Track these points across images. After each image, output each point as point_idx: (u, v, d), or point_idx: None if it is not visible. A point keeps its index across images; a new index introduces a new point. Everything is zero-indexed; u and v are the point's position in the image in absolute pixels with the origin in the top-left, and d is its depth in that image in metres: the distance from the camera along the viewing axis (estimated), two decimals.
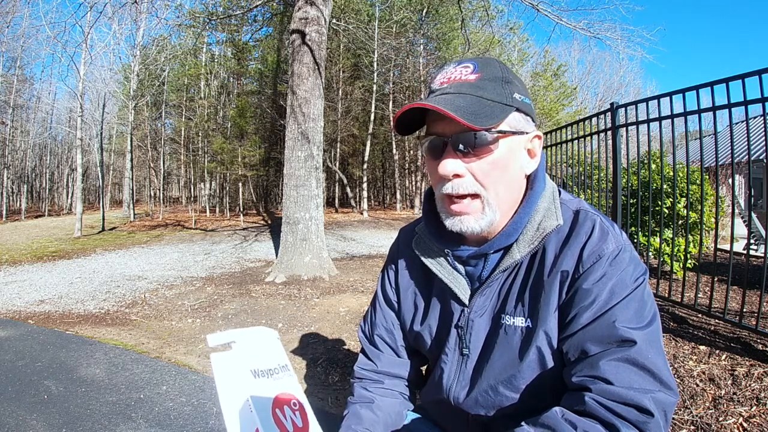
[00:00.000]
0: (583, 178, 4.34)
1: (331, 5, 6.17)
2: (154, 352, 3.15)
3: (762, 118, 2.41)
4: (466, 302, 0.78)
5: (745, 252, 4.89)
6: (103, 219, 13.22)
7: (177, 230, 12.83)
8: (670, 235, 3.53)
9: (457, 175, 0.68)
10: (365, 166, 18.89)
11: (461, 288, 0.78)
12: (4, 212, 18.78)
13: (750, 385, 2.02)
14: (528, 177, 0.76)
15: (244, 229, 12.85)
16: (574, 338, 0.66)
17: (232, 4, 15.49)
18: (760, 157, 10.87)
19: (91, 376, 2.69)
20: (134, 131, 17.52)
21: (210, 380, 2.61)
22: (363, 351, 0.94)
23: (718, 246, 4.59)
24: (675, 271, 3.66)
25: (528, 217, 0.73)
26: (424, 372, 0.98)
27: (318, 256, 5.81)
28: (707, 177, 5.75)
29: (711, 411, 1.87)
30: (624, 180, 4.05)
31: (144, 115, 19.06)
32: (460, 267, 0.79)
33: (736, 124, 11.53)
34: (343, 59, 18.72)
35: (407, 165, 22.66)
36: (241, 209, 16.86)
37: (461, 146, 0.67)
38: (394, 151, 20.96)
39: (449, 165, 0.68)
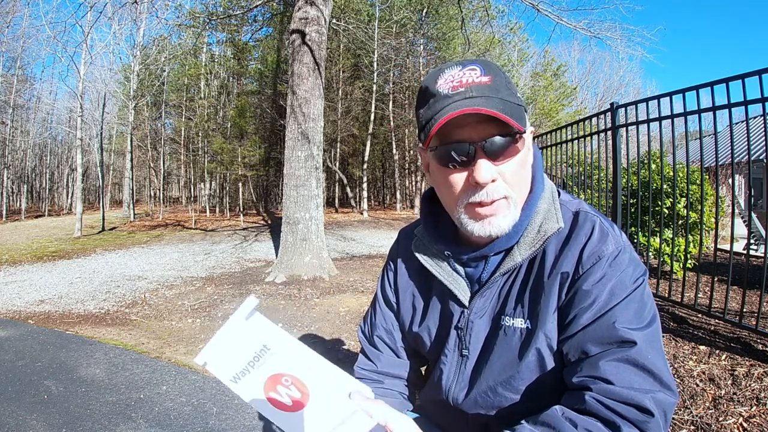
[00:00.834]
0: (583, 178, 4.34)
1: (331, 5, 6.18)
2: (154, 352, 3.15)
3: (762, 118, 2.41)
4: (466, 304, 0.78)
5: (745, 252, 4.88)
6: (103, 219, 13.23)
7: (177, 230, 12.84)
8: (670, 235, 3.53)
9: (492, 181, 0.67)
10: (365, 166, 18.89)
11: (461, 290, 0.78)
12: (4, 212, 18.79)
13: (750, 385, 2.02)
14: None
15: (244, 229, 12.86)
16: (574, 339, 0.67)
17: (232, 4, 15.50)
18: (760, 157, 10.87)
19: (91, 376, 2.69)
20: (134, 131, 17.52)
21: (210, 380, 2.61)
22: (363, 351, 0.95)
23: (718, 246, 4.59)
24: (675, 271, 3.66)
25: (528, 219, 0.73)
26: (423, 372, 0.98)
27: (318, 256, 5.81)
28: (707, 177, 5.75)
29: (711, 411, 1.87)
30: (624, 180, 4.05)
31: (144, 115, 19.07)
32: (460, 269, 0.79)
33: (736, 124, 11.53)
34: (343, 59, 18.72)
35: (407, 165, 22.67)
36: (241, 209, 16.86)
37: (496, 150, 0.65)
38: (394, 151, 20.95)
39: (487, 171, 0.65)
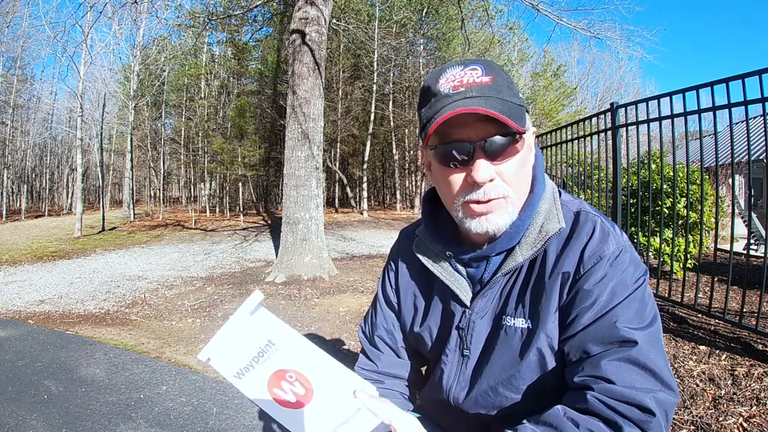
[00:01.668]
0: (583, 178, 4.35)
1: (331, 5, 6.18)
2: (154, 352, 3.15)
3: (762, 118, 2.41)
4: (468, 304, 0.78)
5: (745, 252, 4.89)
6: (103, 219, 13.22)
7: (177, 230, 12.84)
8: (670, 235, 3.53)
9: (491, 180, 0.67)
10: (365, 166, 18.89)
11: (463, 290, 0.78)
12: (4, 212, 18.78)
13: (750, 385, 2.02)
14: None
15: (244, 229, 12.85)
16: (575, 339, 0.67)
17: (232, 4, 15.49)
18: (760, 157, 10.88)
19: (91, 376, 2.69)
20: (134, 131, 17.52)
21: (210, 380, 2.61)
22: (363, 351, 0.95)
23: (718, 246, 4.59)
24: (675, 271, 3.66)
25: (530, 219, 0.73)
26: (423, 373, 0.98)
27: (318, 256, 5.81)
28: (707, 177, 5.75)
29: (711, 411, 1.87)
30: (624, 180, 4.05)
31: (144, 115, 19.07)
32: (462, 269, 0.79)
33: (736, 124, 11.53)
34: (343, 59, 18.72)
35: (407, 165, 22.67)
36: (241, 209, 16.86)
37: (495, 150, 0.66)
38: (394, 151, 20.96)
39: (485, 171, 0.65)
